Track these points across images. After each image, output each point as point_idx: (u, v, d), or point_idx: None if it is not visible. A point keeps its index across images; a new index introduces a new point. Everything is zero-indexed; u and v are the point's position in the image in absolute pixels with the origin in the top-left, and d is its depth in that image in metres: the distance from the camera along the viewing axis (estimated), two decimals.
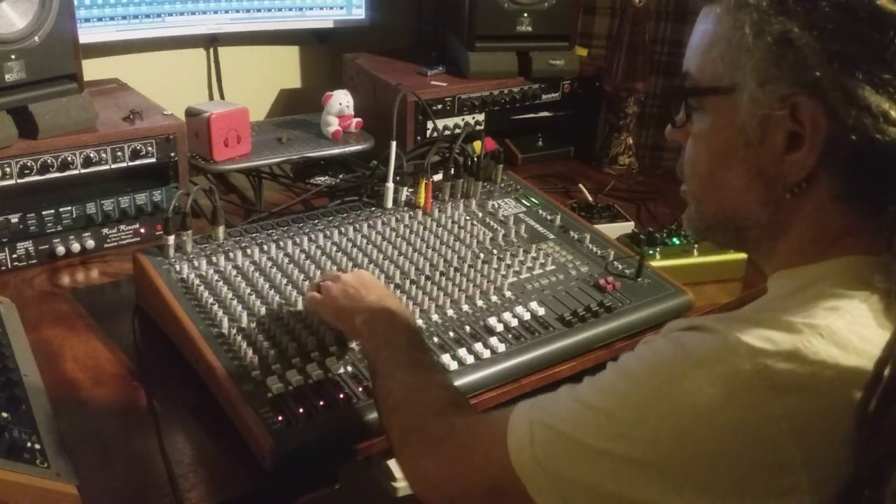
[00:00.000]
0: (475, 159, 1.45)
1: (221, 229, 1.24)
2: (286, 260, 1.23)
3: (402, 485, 1.00)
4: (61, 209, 1.36)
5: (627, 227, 1.54)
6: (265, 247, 1.25)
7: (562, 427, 0.69)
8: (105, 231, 1.42)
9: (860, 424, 0.60)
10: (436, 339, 1.11)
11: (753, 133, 0.71)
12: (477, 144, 1.58)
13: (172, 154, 1.43)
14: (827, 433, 0.62)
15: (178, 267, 1.17)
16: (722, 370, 0.63)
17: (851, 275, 0.68)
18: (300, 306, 1.13)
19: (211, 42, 1.80)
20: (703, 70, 0.75)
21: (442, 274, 1.24)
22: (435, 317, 1.15)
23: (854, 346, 0.64)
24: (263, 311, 1.11)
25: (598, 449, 0.67)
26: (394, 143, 1.42)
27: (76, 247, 1.38)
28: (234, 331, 1.06)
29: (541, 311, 1.19)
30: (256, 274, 1.18)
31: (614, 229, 1.51)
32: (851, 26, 0.65)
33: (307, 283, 1.18)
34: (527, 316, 1.18)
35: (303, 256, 1.25)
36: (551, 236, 1.39)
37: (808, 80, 0.66)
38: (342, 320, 1.02)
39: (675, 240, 1.45)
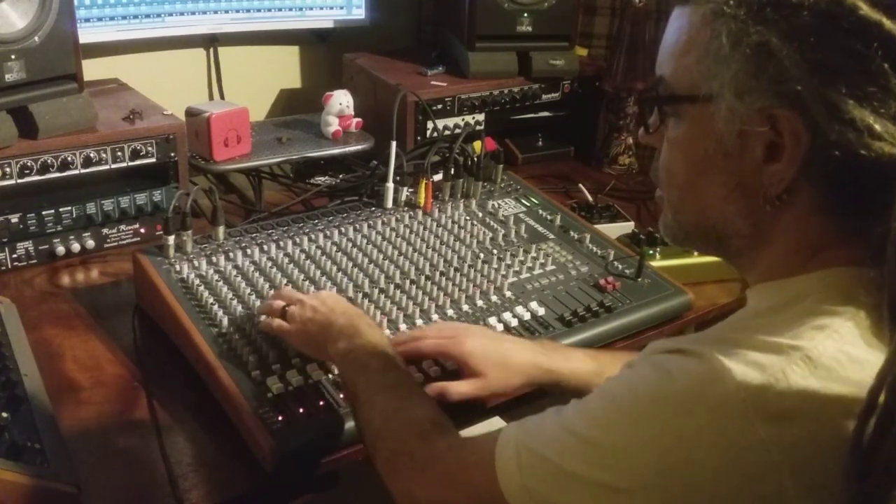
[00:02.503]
0: (475, 159, 1.45)
1: (221, 229, 1.24)
2: (286, 260, 1.23)
3: None
4: (61, 209, 1.36)
5: (627, 227, 1.54)
6: (265, 247, 1.25)
7: (548, 454, 0.68)
8: (105, 231, 1.42)
9: (855, 454, 0.58)
10: None
11: (731, 144, 0.67)
12: (477, 144, 1.58)
13: (172, 154, 1.43)
14: (820, 461, 0.60)
15: (178, 267, 1.17)
16: (709, 399, 0.61)
17: (837, 289, 0.65)
18: None
19: (211, 42, 1.80)
20: (678, 77, 0.71)
21: (442, 274, 1.24)
22: (435, 317, 1.15)
23: (844, 369, 0.61)
24: None
25: (584, 478, 0.65)
26: (394, 143, 1.42)
27: (76, 247, 1.38)
28: (233, 331, 1.06)
29: (541, 311, 1.19)
30: (256, 274, 1.18)
31: (614, 229, 1.51)
32: (834, 37, 0.61)
33: (307, 283, 1.18)
34: (527, 316, 1.18)
35: (303, 256, 1.24)
36: (551, 236, 1.39)
37: (789, 93, 0.63)
38: (315, 349, 1.00)
39: None
